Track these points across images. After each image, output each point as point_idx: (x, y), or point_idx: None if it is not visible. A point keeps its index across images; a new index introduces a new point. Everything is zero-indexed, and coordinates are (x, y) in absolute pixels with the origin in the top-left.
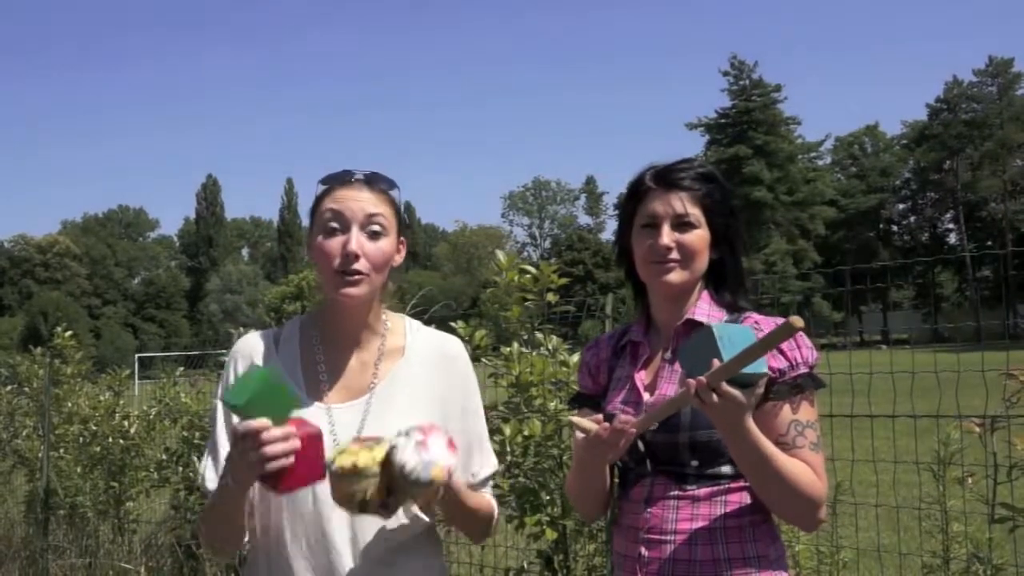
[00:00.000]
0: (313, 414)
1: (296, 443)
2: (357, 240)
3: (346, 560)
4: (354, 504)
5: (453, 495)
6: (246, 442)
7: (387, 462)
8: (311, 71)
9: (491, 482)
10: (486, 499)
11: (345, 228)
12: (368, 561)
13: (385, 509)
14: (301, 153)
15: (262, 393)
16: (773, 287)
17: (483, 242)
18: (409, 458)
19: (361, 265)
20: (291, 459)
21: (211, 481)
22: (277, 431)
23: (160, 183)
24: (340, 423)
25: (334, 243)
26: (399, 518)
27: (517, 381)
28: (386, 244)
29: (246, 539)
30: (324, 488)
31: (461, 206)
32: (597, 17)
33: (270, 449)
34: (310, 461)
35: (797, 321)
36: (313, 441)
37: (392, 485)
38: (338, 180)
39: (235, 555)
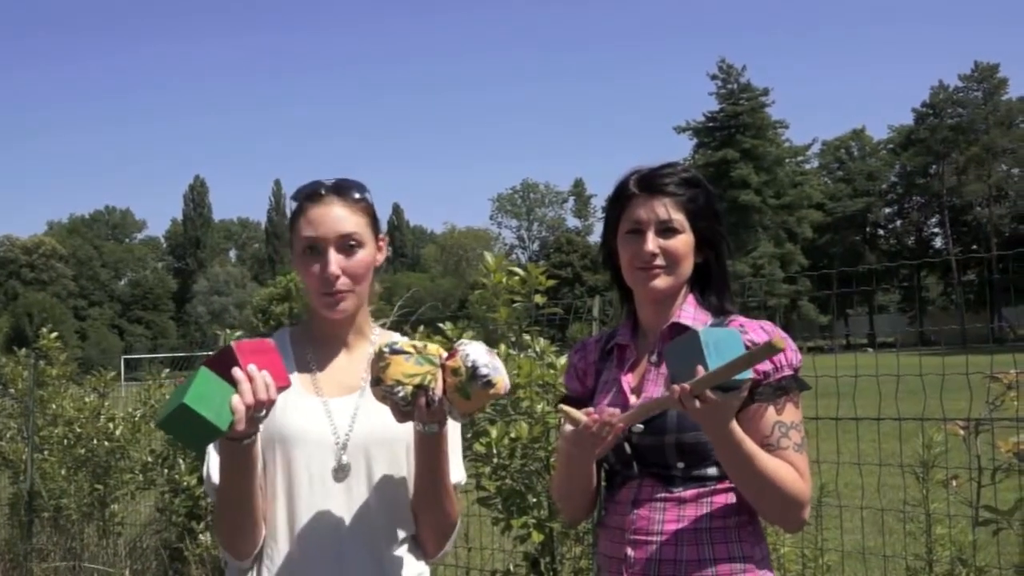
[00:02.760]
0: (311, 406)
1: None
2: (335, 262)
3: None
4: (405, 392)
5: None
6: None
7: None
8: (299, 72)
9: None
10: (455, 498)
11: (321, 252)
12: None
13: (428, 409)
14: (289, 154)
15: (206, 391)
16: (760, 290)
17: (471, 244)
18: (481, 356)
19: (342, 284)
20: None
21: (214, 471)
22: (257, 378)
23: (147, 184)
24: (336, 412)
25: (314, 268)
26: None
27: None
28: (364, 255)
29: (263, 533)
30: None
31: (450, 208)
32: (586, 19)
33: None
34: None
35: (779, 343)
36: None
37: (445, 387)
38: (308, 196)
39: (253, 553)
